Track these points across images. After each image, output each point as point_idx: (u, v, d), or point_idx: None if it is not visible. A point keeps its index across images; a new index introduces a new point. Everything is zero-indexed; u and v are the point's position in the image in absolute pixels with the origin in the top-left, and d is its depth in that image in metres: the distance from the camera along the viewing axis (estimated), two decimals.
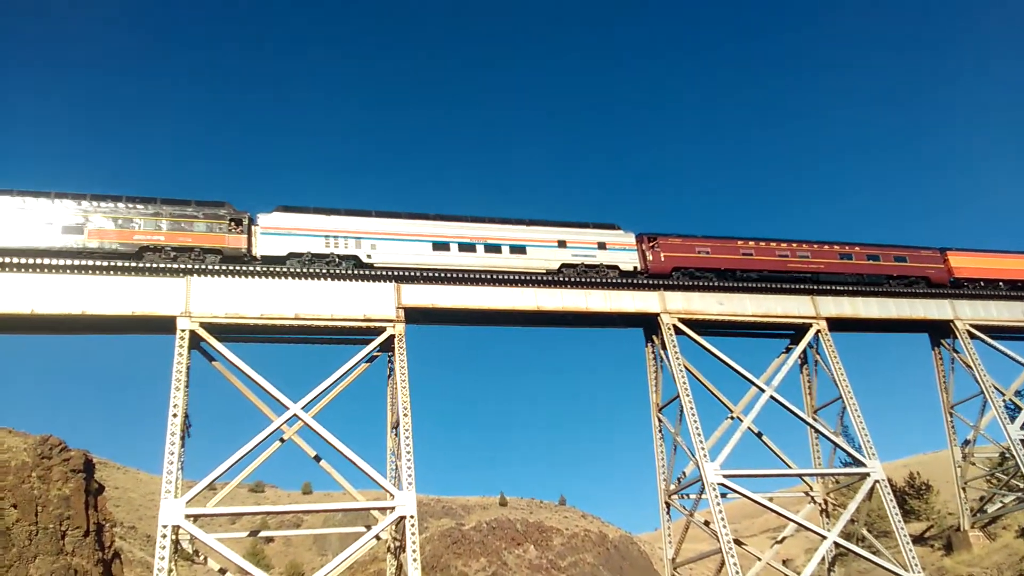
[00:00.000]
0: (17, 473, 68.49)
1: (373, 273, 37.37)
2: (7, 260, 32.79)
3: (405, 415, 34.97)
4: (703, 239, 44.45)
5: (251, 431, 33.34)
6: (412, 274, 38.04)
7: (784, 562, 59.21)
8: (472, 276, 39.06)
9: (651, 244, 43.60)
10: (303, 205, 38.89)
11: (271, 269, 36.03)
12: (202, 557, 36.31)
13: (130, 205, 36.08)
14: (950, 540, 48.84)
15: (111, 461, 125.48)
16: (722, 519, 36.14)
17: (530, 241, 41.47)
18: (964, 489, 47.93)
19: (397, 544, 36.23)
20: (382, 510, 34.47)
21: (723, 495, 37.24)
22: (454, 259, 39.58)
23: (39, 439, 74.68)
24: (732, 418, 41.67)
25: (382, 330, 36.65)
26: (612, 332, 46.40)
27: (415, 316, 38.19)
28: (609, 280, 41.02)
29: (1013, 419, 45.64)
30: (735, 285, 42.85)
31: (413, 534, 32.52)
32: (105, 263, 33.88)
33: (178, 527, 30.40)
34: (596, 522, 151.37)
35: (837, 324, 44.61)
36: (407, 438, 34.45)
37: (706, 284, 42.46)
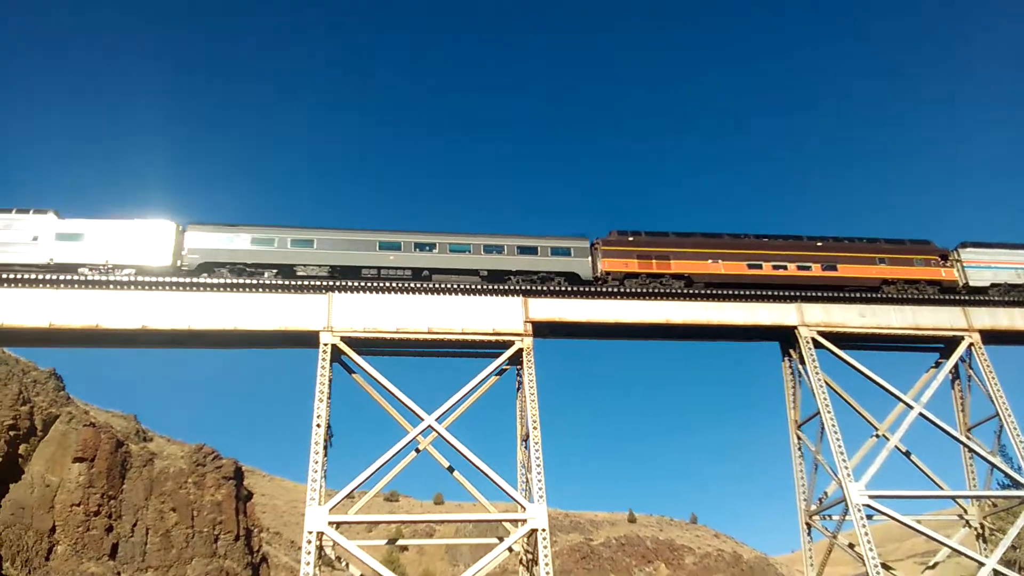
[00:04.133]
0: (175, 479, 73.86)
1: (501, 288, 37.96)
2: (167, 280, 35.46)
3: (535, 428, 35.21)
4: None
5: (380, 441, 34.62)
6: (540, 288, 38.38)
7: None
8: (599, 290, 38.95)
9: None
10: (988, 241, 43.96)
11: (405, 285, 37.26)
12: (344, 563, 37.75)
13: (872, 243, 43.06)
14: None
15: (257, 469, 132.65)
16: (868, 542, 34.35)
17: None
18: None
19: (529, 557, 36.45)
20: (514, 522, 34.79)
21: (868, 516, 35.42)
22: None
23: (194, 447, 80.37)
24: (877, 436, 39.58)
25: (510, 344, 37.09)
26: (747, 345, 45.07)
27: (543, 330, 38.41)
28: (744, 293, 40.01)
29: None
30: (881, 296, 40.81)
31: (545, 547, 32.63)
32: (253, 281, 36.09)
33: (322, 533, 31.76)
34: (730, 542, 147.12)
35: (992, 337, 41.60)
36: (537, 451, 34.65)
37: (846, 296, 40.65)
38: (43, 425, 68.59)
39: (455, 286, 37.70)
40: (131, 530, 68.52)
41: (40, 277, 34.68)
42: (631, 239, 40.99)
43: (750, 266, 40.92)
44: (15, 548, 60.37)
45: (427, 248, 38.80)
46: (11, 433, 64.01)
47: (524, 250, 39.64)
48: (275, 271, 37.25)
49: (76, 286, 34.83)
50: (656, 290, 39.35)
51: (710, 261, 40.63)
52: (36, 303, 34.36)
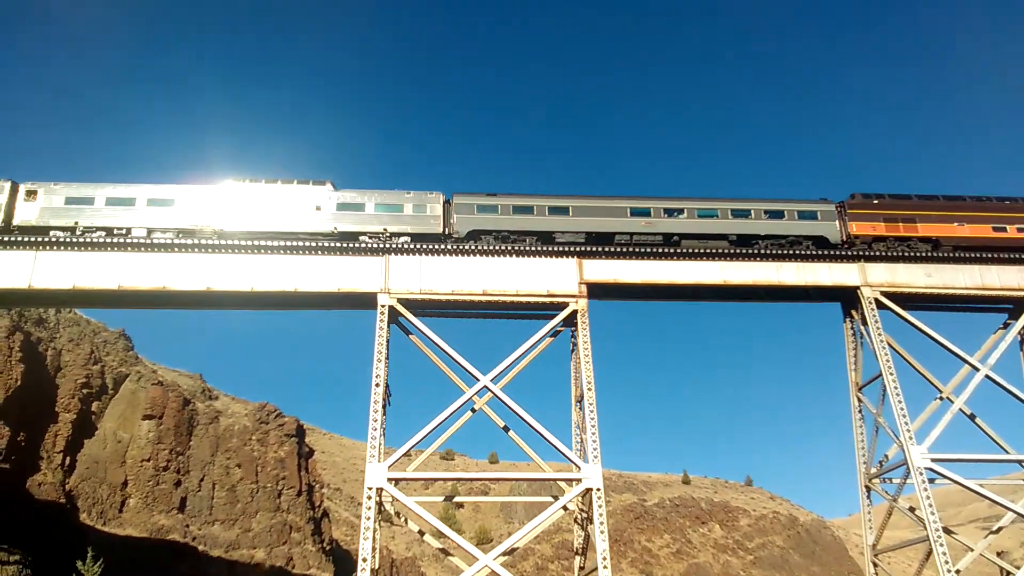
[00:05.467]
0: (240, 436, 76.21)
1: (555, 249, 37.86)
2: (229, 242, 36.27)
3: (589, 389, 35.31)
4: None
5: (436, 401, 35.20)
6: (594, 249, 38.17)
7: (998, 554, 54.68)
8: (654, 251, 38.58)
9: None
10: None
11: (460, 247, 37.45)
12: (403, 519, 38.68)
13: None
14: None
15: (318, 427, 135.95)
16: (930, 505, 33.84)
17: None
18: None
19: (584, 515, 36.85)
20: (569, 481, 35.16)
21: (930, 480, 34.82)
22: None
23: (257, 406, 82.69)
24: (941, 399, 38.71)
25: (565, 305, 37.08)
26: (806, 306, 44.24)
27: (597, 291, 38.28)
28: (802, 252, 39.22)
29: None
30: (945, 255, 39.57)
31: (600, 506, 32.91)
32: (312, 244, 36.69)
33: (381, 489, 32.55)
34: (785, 504, 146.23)
35: None
36: (592, 412, 34.79)
37: (910, 255, 39.53)
38: (114, 384, 71.34)
39: (509, 248, 37.70)
40: (198, 485, 71.15)
41: (108, 240, 35.79)
42: (876, 202, 40.83)
43: (995, 228, 40.56)
44: (91, 500, 63.29)
45: (676, 213, 39.41)
46: (84, 391, 66.72)
47: (771, 214, 39.90)
48: (535, 238, 38.31)
49: (143, 249, 35.90)
50: (903, 253, 39.30)
51: (956, 224, 40.38)
52: (106, 266, 35.57)
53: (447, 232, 38.19)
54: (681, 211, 39.36)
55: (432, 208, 38.33)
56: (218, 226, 36.85)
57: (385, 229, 37.55)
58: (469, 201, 38.70)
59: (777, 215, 39.80)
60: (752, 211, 39.76)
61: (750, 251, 38.77)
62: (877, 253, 39.04)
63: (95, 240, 35.72)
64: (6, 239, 35.52)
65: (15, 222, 36.40)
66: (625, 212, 39.26)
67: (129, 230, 36.34)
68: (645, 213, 39.22)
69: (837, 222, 40.00)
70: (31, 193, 36.93)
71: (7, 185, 36.76)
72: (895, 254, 39.33)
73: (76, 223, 36.31)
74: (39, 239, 35.50)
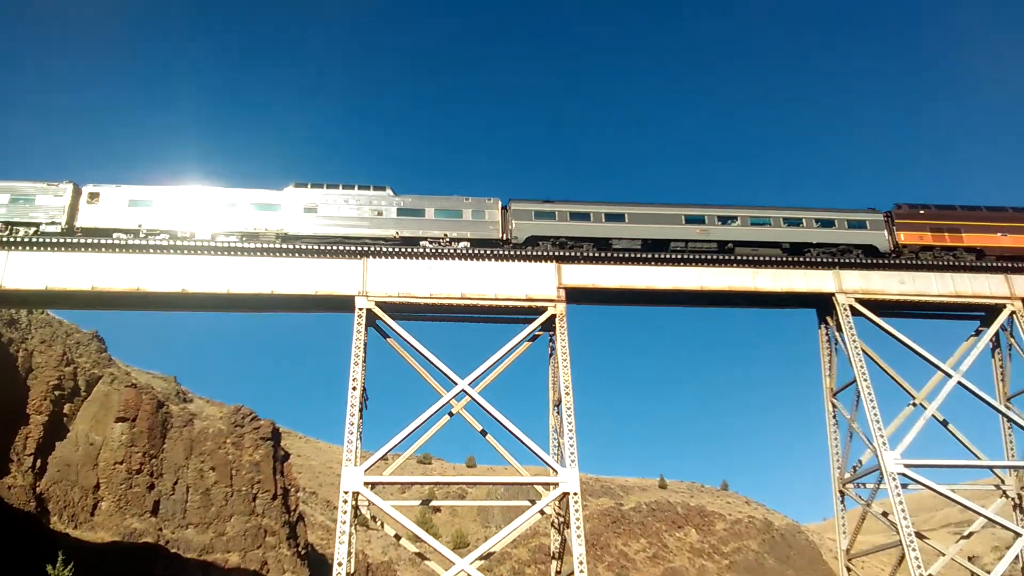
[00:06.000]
0: (215, 439, 75.41)
1: (534, 253, 37.89)
2: (205, 244, 35.97)
3: (567, 394, 35.37)
4: None
5: (414, 405, 35.09)
6: (573, 254, 38.26)
7: (970, 559, 55.36)
8: (632, 256, 38.73)
9: None
10: None
11: (439, 251, 37.39)
12: (379, 523, 38.49)
13: None
14: None
15: (294, 431, 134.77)
16: (903, 510, 34.18)
17: None
18: None
19: (560, 520, 36.88)
20: (546, 485, 35.16)
21: (903, 485, 35.19)
22: None
23: (232, 409, 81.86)
24: (914, 404, 39.16)
25: (543, 310, 37.13)
26: (782, 312, 44.63)
27: (576, 296, 38.34)
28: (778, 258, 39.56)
29: None
30: (919, 263, 40.10)
31: (577, 510, 32.94)
32: (289, 246, 36.47)
33: (358, 493, 32.39)
34: (760, 509, 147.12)
35: None
36: (569, 416, 34.83)
37: (885, 262, 40.02)
38: (86, 386, 70.27)
39: (488, 252, 37.66)
40: (172, 488, 70.27)
41: (83, 241, 35.34)
42: (922, 212, 41.42)
43: None
44: (62, 504, 62.30)
45: (730, 221, 39.78)
46: (56, 393, 65.69)
47: (822, 223, 40.34)
48: (592, 244, 38.53)
49: (118, 250, 35.48)
50: (948, 262, 39.96)
51: (999, 234, 40.99)
52: (79, 267, 35.10)
53: (505, 238, 38.42)
54: (735, 219, 39.91)
55: (491, 214, 38.67)
56: (282, 229, 37.01)
57: (445, 234, 37.91)
58: (527, 207, 39.07)
59: (828, 224, 40.40)
60: (804, 220, 40.33)
61: (728, 258, 39.06)
62: (923, 262, 39.83)
63: (68, 241, 35.28)
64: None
65: (78, 224, 36.20)
66: (680, 219, 39.69)
67: (193, 233, 36.34)
68: (699, 220, 39.74)
69: (885, 232, 40.63)
70: (94, 195, 36.79)
71: (69, 187, 36.52)
72: (869, 262, 39.77)
73: (140, 225, 36.25)
74: (11, 239, 34.99)
